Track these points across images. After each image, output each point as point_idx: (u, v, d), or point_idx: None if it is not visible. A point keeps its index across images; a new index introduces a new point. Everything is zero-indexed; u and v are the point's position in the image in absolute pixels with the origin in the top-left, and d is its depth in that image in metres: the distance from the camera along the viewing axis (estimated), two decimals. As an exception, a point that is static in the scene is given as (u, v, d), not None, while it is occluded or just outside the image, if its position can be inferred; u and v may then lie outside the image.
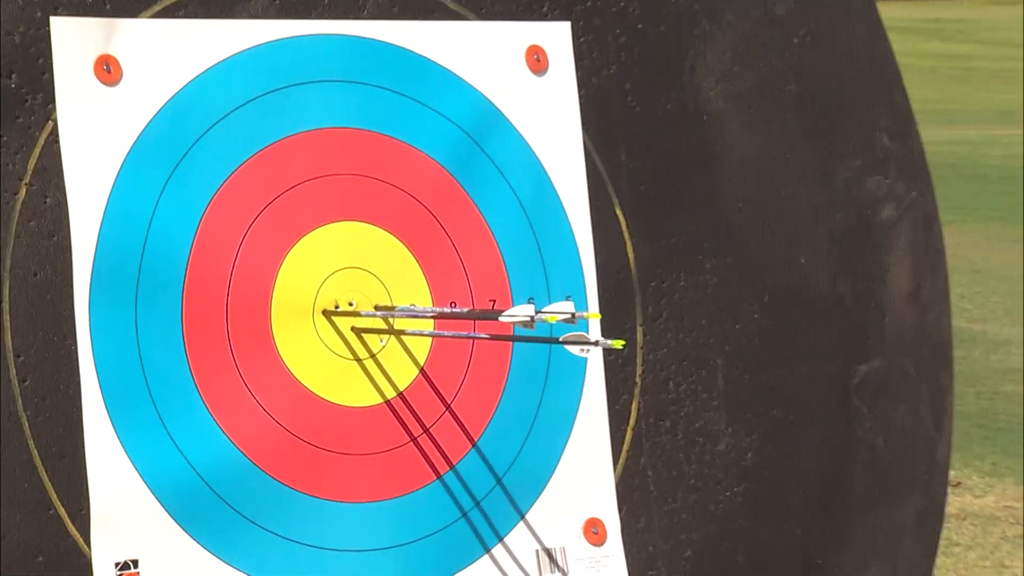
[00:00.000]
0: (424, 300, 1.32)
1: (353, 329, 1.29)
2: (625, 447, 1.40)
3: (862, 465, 1.54)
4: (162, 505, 1.20)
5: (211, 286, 1.23)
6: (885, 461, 1.55)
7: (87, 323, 1.19)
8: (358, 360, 1.29)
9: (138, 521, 1.19)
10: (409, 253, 1.32)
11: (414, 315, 1.28)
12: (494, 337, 1.26)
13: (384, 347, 1.30)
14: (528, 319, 1.14)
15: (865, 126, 1.56)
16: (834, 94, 1.54)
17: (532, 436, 1.36)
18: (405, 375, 1.31)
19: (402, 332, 1.29)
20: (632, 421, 1.41)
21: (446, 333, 1.29)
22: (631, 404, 1.42)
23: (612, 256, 1.42)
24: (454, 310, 1.27)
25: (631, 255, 1.43)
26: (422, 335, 1.30)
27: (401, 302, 1.30)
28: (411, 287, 1.32)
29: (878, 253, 1.56)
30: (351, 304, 1.29)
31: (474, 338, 1.30)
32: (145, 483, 1.19)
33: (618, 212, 1.43)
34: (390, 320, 1.29)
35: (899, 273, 1.56)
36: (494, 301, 1.30)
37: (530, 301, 1.18)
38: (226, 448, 1.23)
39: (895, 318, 1.56)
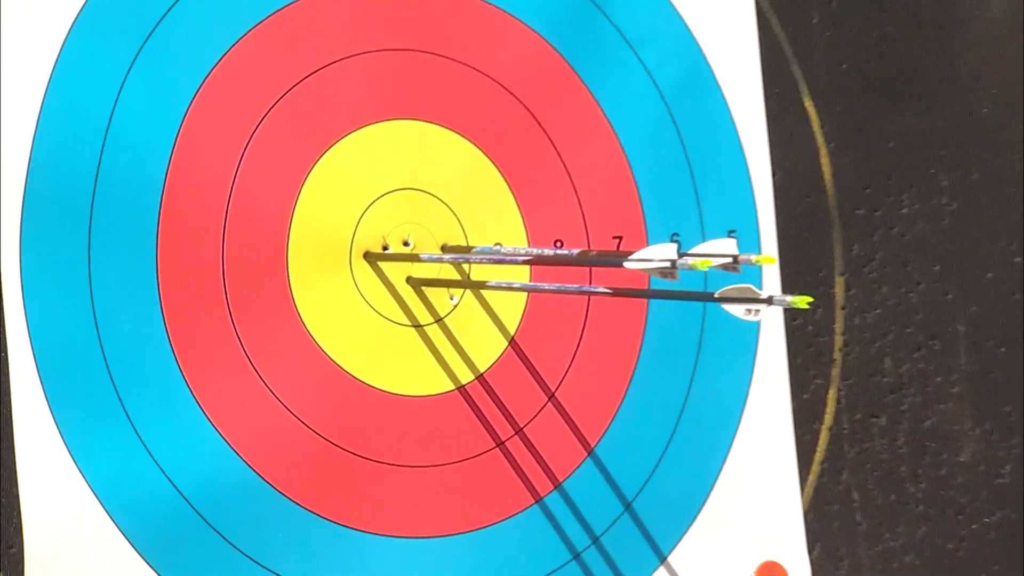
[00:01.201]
0: (516, 238, 1.25)
1: (409, 280, 1.22)
2: (817, 457, 1.35)
3: None
4: (125, 536, 1.14)
5: (199, 218, 1.16)
6: None
7: (17, 273, 1.12)
8: (417, 327, 1.23)
9: (90, 558, 1.13)
10: (494, 168, 1.25)
11: (500, 260, 1.20)
12: (618, 292, 1.17)
13: (456, 307, 1.23)
14: (668, 265, 1.05)
15: None
16: None
17: (676, 441, 1.29)
18: (487, 349, 1.25)
19: (483, 285, 1.22)
20: (829, 419, 1.36)
21: (547, 286, 1.21)
22: (826, 393, 1.36)
23: (798, 170, 1.37)
24: (559, 252, 1.17)
25: (827, 169, 1.38)
26: (512, 289, 1.22)
27: (481, 241, 1.24)
28: (497, 218, 1.25)
29: None
30: (407, 244, 1.22)
31: (590, 294, 1.23)
32: (102, 505, 1.13)
33: (807, 105, 1.38)
34: (465, 267, 1.23)
35: None
36: (620, 239, 1.23)
37: (673, 239, 1.11)
38: (222, 455, 1.17)
39: None
